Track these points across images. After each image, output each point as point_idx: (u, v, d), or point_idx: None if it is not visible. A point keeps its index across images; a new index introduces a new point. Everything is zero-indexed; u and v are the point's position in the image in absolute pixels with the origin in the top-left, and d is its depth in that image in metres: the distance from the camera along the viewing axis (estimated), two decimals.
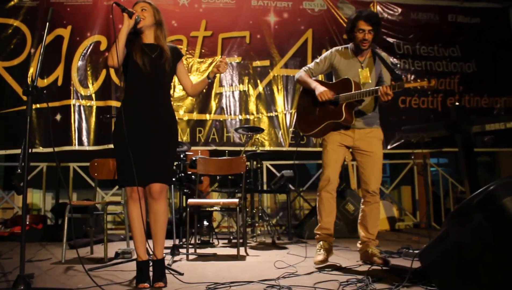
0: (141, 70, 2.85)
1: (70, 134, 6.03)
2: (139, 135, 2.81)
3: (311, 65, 3.71)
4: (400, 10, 6.95)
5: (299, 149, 6.34)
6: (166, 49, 2.93)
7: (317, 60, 3.70)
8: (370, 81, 3.53)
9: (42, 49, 2.78)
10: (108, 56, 2.80)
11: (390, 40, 6.83)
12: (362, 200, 3.62)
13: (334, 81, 3.60)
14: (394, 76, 3.45)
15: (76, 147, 6.05)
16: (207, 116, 6.34)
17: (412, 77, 6.77)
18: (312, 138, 6.28)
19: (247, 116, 6.41)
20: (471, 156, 4.17)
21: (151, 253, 2.87)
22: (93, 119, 6.13)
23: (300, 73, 3.69)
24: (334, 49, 3.70)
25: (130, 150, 2.74)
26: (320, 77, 3.91)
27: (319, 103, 3.50)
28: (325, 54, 3.70)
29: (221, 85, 6.44)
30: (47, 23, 2.72)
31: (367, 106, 3.56)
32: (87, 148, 6.07)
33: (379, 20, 3.55)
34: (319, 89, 3.47)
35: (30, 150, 2.69)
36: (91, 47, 6.24)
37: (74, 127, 6.06)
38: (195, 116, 6.32)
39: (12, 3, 6.21)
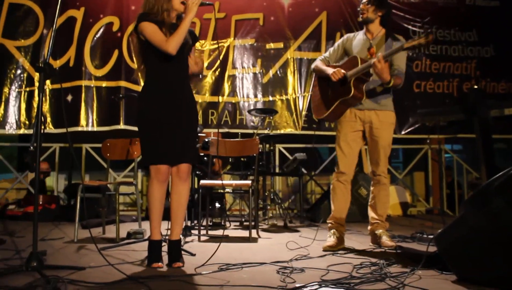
0: None
1: (81, 115, 6.03)
2: (167, 114, 2.79)
3: (326, 53, 3.74)
4: None
5: (311, 132, 6.28)
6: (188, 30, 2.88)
7: (332, 48, 3.74)
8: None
9: (54, 27, 2.75)
10: (170, 43, 2.68)
11: (405, 25, 6.66)
12: (372, 182, 3.63)
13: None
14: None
15: (87, 128, 6.05)
16: (220, 98, 6.29)
17: (428, 61, 6.67)
18: (325, 122, 6.20)
19: (260, 99, 6.35)
20: (489, 141, 4.10)
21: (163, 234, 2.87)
22: (104, 100, 6.10)
23: (316, 62, 3.71)
24: (346, 35, 3.75)
25: (159, 129, 2.76)
26: None
27: (332, 86, 3.52)
28: (340, 40, 3.74)
29: (234, 67, 6.38)
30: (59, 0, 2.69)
31: (377, 87, 3.52)
32: (98, 128, 6.06)
33: None
34: (331, 70, 3.46)
35: (42, 130, 2.68)
36: (103, 28, 6.19)
37: (86, 107, 6.05)
38: (207, 98, 6.28)
39: None
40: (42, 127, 2.80)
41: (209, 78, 6.32)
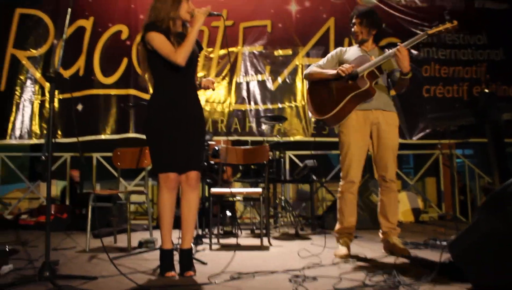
0: None
1: (91, 124, 6.06)
2: (175, 124, 2.79)
3: (320, 62, 3.68)
4: None
5: (321, 139, 6.25)
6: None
7: (326, 58, 3.68)
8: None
9: (64, 37, 2.77)
10: (179, 55, 2.69)
11: (413, 29, 6.62)
12: (380, 189, 3.56)
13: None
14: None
15: (98, 137, 6.06)
16: (229, 106, 6.30)
17: (437, 65, 6.63)
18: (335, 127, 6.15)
19: (269, 106, 6.34)
20: (501, 145, 4.05)
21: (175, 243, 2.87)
22: (113, 108, 6.13)
23: (311, 68, 3.66)
24: (339, 48, 3.72)
25: (166, 138, 2.76)
26: None
27: (335, 85, 3.47)
28: (333, 51, 3.70)
29: (242, 74, 6.39)
30: (69, 9, 2.71)
31: (382, 87, 3.51)
32: (108, 137, 6.08)
33: (370, 13, 3.56)
34: (333, 70, 3.44)
35: (53, 140, 2.70)
36: (112, 37, 6.23)
37: (96, 116, 6.08)
38: (216, 105, 6.29)
39: None
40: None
41: (218, 86, 6.33)
